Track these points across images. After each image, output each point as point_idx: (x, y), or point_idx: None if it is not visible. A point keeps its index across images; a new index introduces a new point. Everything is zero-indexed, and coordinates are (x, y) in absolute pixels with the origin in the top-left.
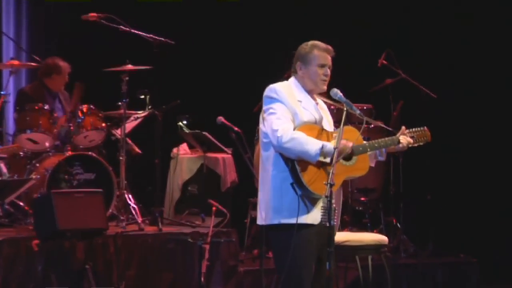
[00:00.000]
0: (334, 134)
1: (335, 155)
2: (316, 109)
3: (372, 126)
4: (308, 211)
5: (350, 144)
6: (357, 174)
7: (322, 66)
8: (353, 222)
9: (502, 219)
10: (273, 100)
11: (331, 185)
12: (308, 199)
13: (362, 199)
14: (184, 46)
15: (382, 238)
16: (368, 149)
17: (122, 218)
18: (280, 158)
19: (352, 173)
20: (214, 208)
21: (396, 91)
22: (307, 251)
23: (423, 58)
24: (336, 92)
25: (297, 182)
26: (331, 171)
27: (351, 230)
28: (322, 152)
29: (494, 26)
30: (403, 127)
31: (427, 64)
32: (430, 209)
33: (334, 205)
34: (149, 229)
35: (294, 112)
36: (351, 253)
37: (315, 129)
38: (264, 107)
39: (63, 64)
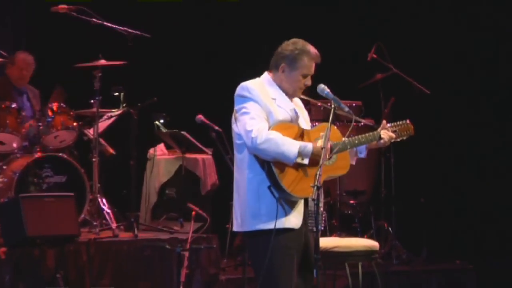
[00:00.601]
0: (321, 133)
1: (323, 155)
2: (291, 107)
3: (362, 124)
4: (286, 215)
5: (329, 142)
6: (338, 173)
7: (306, 76)
8: (342, 227)
9: (500, 223)
10: (245, 99)
11: (318, 188)
12: (287, 202)
13: (352, 202)
14: (161, 40)
15: (372, 243)
16: (348, 146)
17: (95, 223)
18: (255, 160)
19: (332, 172)
20: (193, 213)
21: (387, 87)
22: (286, 258)
23: (416, 51)
24: (323, 88)
25: (275, 185)
26: (318, 172)
27: (339, 236)
28: (300, 153)
29: (491, 18)
30: (384, 121)
31: (420, 58)
32: (424, 213)
33: (321, 209)
34: (124, 236)
35: (268, 111)
36: (340, 260)
37: (292, 128)
38: (236, 107)
39: (20, 55)
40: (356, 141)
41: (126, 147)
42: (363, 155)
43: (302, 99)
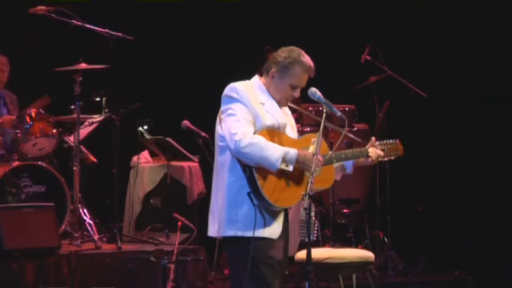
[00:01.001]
0: (312, 139)
1: (315, 161)
2: (279, 114)
3: (356, 129)
4: (265, 224)
5: (311, 152)
6: (321, 187)
7: (295, 87)
8: (335, 237)
9: (500, 232)
10: (233, 100)
11: (310, 196)
12: (267, 211)
13: (345, 211)
14: (144, 42)
15: (367, 254)
16: (334, 160)
17: (76, 235)
18: (237, 164)
19: (316, 185)
20: (179, 223)
21: (382, 90)
22: (267, 268)
23: (412, 52)
24: (315, 92)
25: (255, 192)
26: (309, 180)
27: (333, 246)
28: (284, 159)
29: (488, 19)
30: (373, 139)
31: (416, 60)
32: (421, 221)
33: (314, 218)
34: (107, 248)
35: (255, 115)
36: (333, 272)
37: (277, 134)
38: (222, 107)
39: None
40: (343, 156)
41: (109, 154)
42: (348, 171)
43: (290, 107)
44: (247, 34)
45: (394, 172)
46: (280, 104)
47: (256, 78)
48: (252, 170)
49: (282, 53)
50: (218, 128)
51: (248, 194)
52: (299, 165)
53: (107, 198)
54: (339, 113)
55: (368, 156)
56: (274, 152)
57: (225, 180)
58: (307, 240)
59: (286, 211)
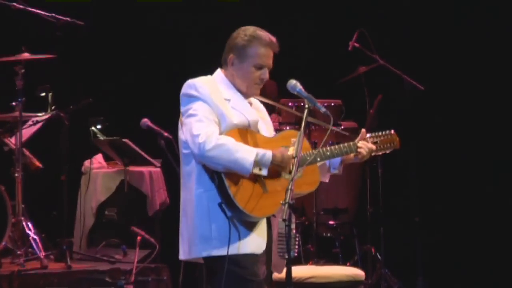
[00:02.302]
0: (292, 139)
1: (295, 165)
2: (249, 109)
3: (342, 127)
4: (241, 238)
5: (290, 152)
6: (305, 191)
7: (260, 67)
8: (320, 253)
9: (507, 246)
10: (192, 98)
11: (290, 205)
12: (242, 223)
13: (331, 222)
14: (97, 28)
15: (357, 272)
16: (318, 159)
17: (19, 252)
18: (204, 172)
19: (298, 189)
20: (139, 238)
21: (373, 82)
22: (252, 285)
23: (406, 39)
24: (295, 85)
25: (227, 201)
26: (289, 187)
27: (317, 263)
28: (257, 162)
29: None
30: (363, 131)
31: (411, 47)
32: (419, 234)
33: (294, 231)
34: (55, 267)
35: (220, 113)
36: None
37: (249, 134)
38: (182, 108)
39: None
40: (328, 153)
41: (56, 159)
42: (337, 170)
43: (265, 104)
44: (210, 25)
45: (387, 177)
46: (250, 93)
47: (218, 71)
48: (221, 176)
49: (236, 36)
50: (180, 134)
51: (220, 205)
52: (275, 168)
53: (55, 210)
54: (323, 109)
55: (357, 151)
56: (245, 154)
57: (192, 193)
58: (286, 257)
59: (268, 220)
